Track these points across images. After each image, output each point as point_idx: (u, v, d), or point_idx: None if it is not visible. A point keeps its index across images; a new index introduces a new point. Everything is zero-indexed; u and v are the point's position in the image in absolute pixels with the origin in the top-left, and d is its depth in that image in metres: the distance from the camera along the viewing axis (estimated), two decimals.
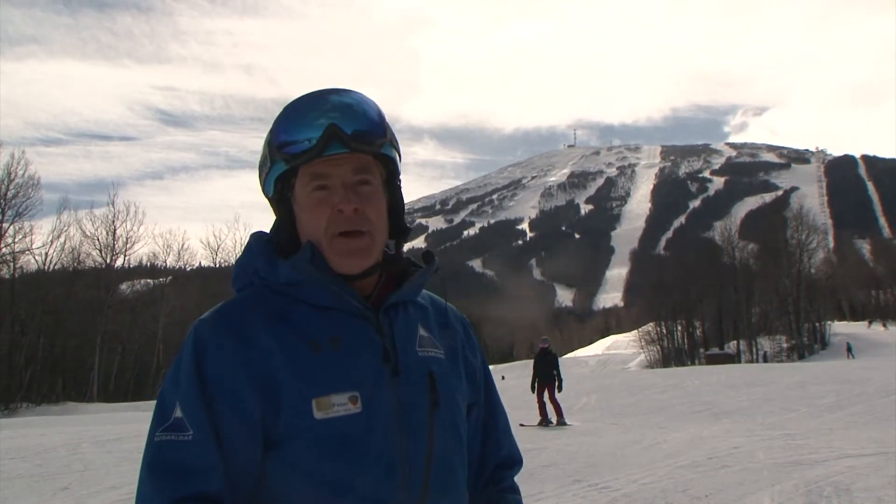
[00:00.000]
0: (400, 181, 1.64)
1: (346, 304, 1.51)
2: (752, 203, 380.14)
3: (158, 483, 1.38)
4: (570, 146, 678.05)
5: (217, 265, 60.37)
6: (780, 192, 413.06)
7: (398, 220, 1.63)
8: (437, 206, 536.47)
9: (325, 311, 1.52)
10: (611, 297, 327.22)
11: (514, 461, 1.79)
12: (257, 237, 1.62)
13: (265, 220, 1.70)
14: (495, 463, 1.75)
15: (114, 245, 54.38)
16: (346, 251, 1.50)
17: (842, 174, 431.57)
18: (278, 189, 1.55)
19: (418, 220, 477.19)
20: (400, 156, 1.62)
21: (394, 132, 1.59)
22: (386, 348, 1.52)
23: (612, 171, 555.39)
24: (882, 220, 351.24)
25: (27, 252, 48.92)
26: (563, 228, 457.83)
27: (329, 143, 1.47)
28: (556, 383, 17.27)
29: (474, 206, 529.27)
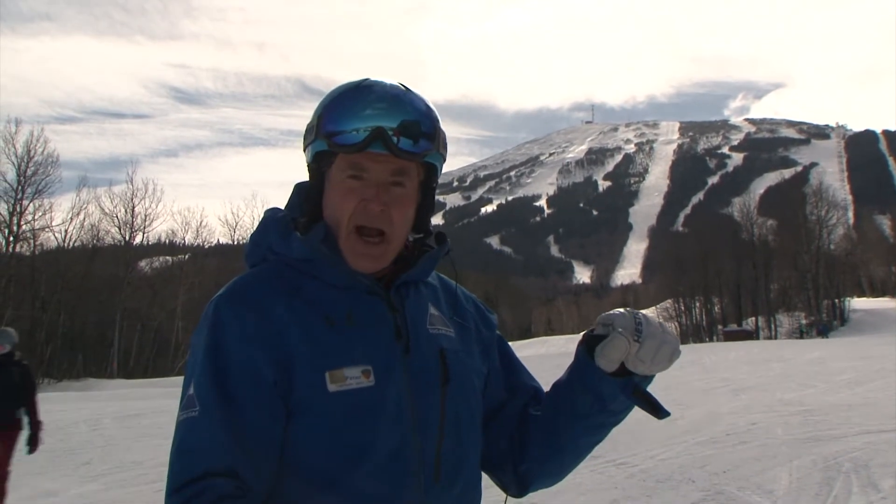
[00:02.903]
0: (436, 185, 1.65)
1: (358, 282, 1.53)
2: (771, 179, 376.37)
3: (175, 464, 1.38)
4: (587, 122, 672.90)
5: (235, 242, 60.58)
6: (799, 168, 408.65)
7: (424, 220, 1.65)
8: (455, 183, 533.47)
9: (338, 288, 1.53)
10: (629, 273, 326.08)
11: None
12: (272, 213, 1.64)
13: (280, 197, 1.72)
14: (531, 393, 1.74)
15: (132, 222, 54.81)
16: (360, 252, 1.53)
17: (862, 150, 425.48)
18: (317, 160, 1.56)
19: (436, 197, 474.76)
20: (444, 157, 1.62)
21: (445, 135, 1.59)
22: (398, 325, 1.54)
23: (631, 148, 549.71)
24: None
25: (47, 229, 49.46)
26: (581, 205, 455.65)
27: (373, 143, 1.47)
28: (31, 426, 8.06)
29: (492, 182, 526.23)
